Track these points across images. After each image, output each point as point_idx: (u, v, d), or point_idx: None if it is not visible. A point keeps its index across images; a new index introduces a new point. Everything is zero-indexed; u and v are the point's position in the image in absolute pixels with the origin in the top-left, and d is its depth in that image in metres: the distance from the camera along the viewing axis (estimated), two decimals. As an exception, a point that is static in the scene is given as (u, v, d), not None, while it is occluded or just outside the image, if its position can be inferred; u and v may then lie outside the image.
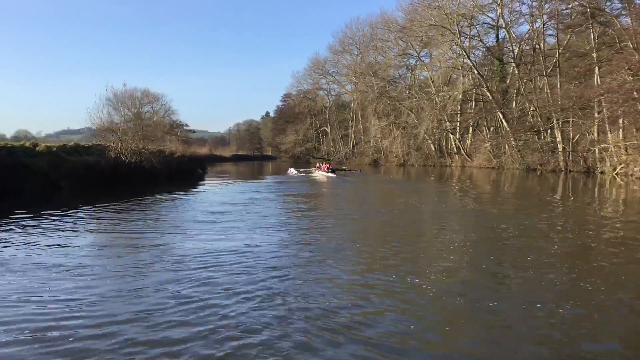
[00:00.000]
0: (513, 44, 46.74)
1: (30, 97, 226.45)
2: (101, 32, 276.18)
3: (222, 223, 13.15)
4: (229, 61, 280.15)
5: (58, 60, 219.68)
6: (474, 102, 53.14)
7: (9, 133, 71.60)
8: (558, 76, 39.46)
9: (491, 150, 48.07)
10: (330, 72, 76.89)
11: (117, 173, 25.90)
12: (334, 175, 36.23)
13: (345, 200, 20.83)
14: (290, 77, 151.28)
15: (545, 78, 41.56)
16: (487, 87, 46.74)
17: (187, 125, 75.28)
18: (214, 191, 24.61)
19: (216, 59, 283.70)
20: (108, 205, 16.67)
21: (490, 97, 46.71)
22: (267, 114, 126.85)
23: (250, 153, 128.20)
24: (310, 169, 41.98)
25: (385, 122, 63.39)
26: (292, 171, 41.78)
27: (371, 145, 68.00)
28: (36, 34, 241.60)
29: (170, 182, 28.79)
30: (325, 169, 38.17)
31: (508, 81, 48.63)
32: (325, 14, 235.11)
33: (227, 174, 48.62)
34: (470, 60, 47.81)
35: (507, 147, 45.82)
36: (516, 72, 47.34)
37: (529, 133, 43.87)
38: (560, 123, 38.96)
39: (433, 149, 58.89)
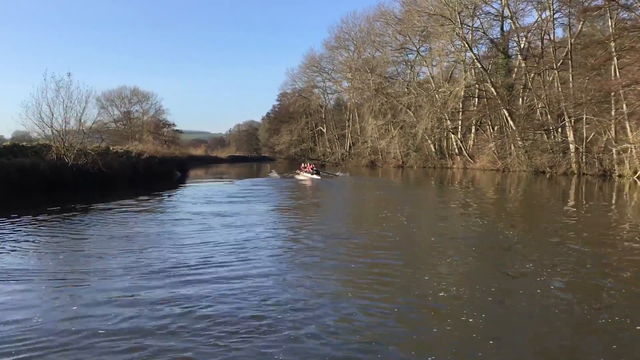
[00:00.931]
0: (519, 35, 42.94)
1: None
2: (100, 32, 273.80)
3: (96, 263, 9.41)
4: (229, 62, 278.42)
5: (53, 59, 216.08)
6: (476, 99, 49.34)
7: (7, 134, 67.69)
8: (570, 69, 35.65)
9: (496, 151, 44.30)
10: (325, 69, 73.10)
11: (62, 177, 22.26)
12: (319, 177, 33.86)
13: (320, 212, 16.99)
14: (285, 75, 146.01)
15: (555, 72, 37.74)
16: (491, 82, 42.92)
17: (174, 125, 71.34)
18: (172, 198, 20.96)
19: (217, 60, 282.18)
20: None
21: (495, 93, 42.90)
22: (268, 114, 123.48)
23: (248, 154, 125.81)
24: (295, 171, 39.26)
25: (382, 121, 59.62)
26: (273, 174, 39.53)
27: (368, 146, 64.23)
28: (33, 34, 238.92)
29: (136, 186, 25.52)
30: (310, 169, 35.65)
31: (514, 76, 44.86)
32: (330, 10, 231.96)
33: (213, 175, 45.15)
34: (473, 53, 43.97)
35: (513, 147, 42.06)
36: (523, 65, 43.62)
37: (537, 132, 40.04)
38: (572, 121, 35.08)
39: (433, 150, 55.16)
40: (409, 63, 58.00)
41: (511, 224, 13.58)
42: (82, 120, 23.77)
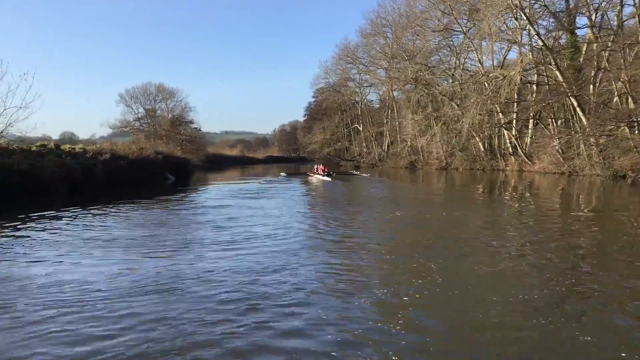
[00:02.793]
0: (591, 5, 34.36)
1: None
2: (145, 38, 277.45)
3: None
4: (277, 62, 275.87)
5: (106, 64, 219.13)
6: (535, 87, 40.83)
7: (55, 134, 64.70)
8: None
9: (560, 150, 35.90)
10: (361, 59, 65.41)
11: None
12: (329, 179, 31.97)
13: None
14: (317, 67, 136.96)
15: (642, 46, 29.21)
16: (556, 63, 34.40)
17: (191, 122, 65.55)
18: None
19: (264, 61, 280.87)
20: None
21: (561, 78, 34.41)
22: (304, 112, 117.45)
23: (287, 155, 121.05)
24: (307, 173, 38.05)
25: (422, 115, 51.71)
26: (283, 175, 38.52)
27: (407, 144, 56.42)
28: (82, 40, 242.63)
29: (92, 193, 19.59)
30: (322, 172, 34.16)
31: (582, 58, 36.23)
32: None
33: (224, 178, 38.81)
34: (533, 27, 35.43)
35: (582, 145, 33.62)
36: (594, 45, 35.05)
37: (616, 126, 31.50)
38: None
39: (482, 149, 46.90)
40: (454, 49, 49.78)
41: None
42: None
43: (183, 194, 22.09)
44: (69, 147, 23.27)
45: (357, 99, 72.31)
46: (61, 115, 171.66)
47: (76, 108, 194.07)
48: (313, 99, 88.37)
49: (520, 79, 37.60)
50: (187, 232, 11.30)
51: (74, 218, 13.55)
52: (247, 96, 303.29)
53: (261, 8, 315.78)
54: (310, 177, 35.27)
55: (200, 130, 68.79)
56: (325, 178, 32.48)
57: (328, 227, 11.88)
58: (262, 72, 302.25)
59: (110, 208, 15.81)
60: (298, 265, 7.94)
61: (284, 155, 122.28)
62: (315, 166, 38.08)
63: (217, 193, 23.00)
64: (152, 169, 28.07)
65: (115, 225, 12.40)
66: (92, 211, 14.99)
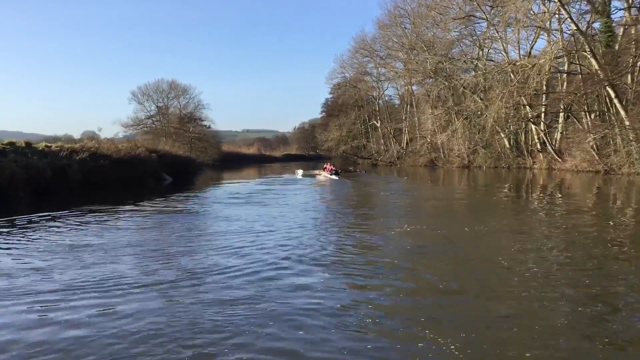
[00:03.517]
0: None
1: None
2: (163, 38, 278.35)
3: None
4: (302, 60, 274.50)
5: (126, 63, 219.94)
6: (566, 77, 37.38)
7: (77, 133, 63.31)
8: None
9: (595, 147, 32.56)
10: (378, 52, 62.06)
11: None
12: (337, 178, 32.05)
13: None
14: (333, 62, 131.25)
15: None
16: (591, 50, 30.98)
17: (200, 119, 63.19)
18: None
19: (290, 59, 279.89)
20: None
21: (596, 66, 31.02)
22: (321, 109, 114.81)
23: (306, 153, 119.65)
24: (317, 172, 36.78)
25: (442, 109, 48.45)
26: (299, 173, 37.31)
27: (426, 141, 53.22)
28: (100, 40, 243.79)
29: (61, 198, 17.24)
30: (329, 170, 34.09)
31: (617, 46, 32.76)
32: None
33: (232, 178, 36.50)
34: (565, 10, 31.94)
35: (620, 140, 30.29)
36: (632, 29, 31.62)
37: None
38: None
39: (507, 145, 43.57)
40: (477, 39, 46.41)
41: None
42: None
43: (168, 199, 19.52)
44: (44, 146, 20.93)
45: (374, 94, 69.12)
46: (89, 115, 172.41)
47: (106, 108, 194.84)
48: (330, 96, 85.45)
49: (550, 68, 34.13)
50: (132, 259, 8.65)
51: (19, 229, 11.09)
52: (269, 94, 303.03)
53: (284, 6, 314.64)
54: (318, 176, 34.42)
55: (210, 127, 66.31)
56: (334, 177, 32.22)
57: (323, 250, 9.04)
58: (284, 70, 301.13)
59: (72, 216, 13.35)
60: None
61: (302, 153, 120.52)
62: (325, 165, 37.22)
63: (209, 197, 20.44)
64: (143, 168, 25.66)
65: (56, 245, 9.84)
66: (46, 222, 12.53)
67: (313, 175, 35.09)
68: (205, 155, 60.15)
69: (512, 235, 10.31)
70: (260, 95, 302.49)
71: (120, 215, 13.45)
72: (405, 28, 55.68)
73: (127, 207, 15.48)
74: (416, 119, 56.59)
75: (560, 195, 20.95)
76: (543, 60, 32.35)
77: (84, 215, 13.44)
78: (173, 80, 68.74)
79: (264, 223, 11.90)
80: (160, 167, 29.24)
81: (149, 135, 64.80)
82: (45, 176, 18.04)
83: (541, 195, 21.30)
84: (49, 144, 21.51)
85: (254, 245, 9.26)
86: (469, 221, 12.25)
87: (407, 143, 61.60)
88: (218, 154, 71.21)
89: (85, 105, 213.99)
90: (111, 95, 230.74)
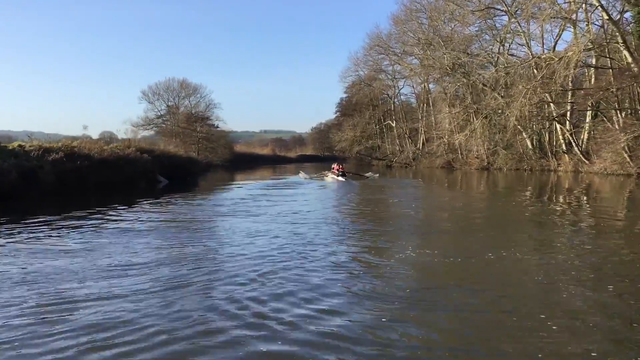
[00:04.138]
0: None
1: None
2: (181, 40, 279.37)
3: None
4: (321, 60, 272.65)
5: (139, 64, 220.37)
6: (593, 72, 34.58)
7: (95, 134, 62.09)
8: None
9: (627, 148, 29.84)
10: (393, 49, 59.39)
11: None
12: (344, 180, 30.34)
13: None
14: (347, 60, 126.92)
15: None
16: (624, 41, 28.23)
17: (208, 119, 61.34)
18: None
19: (309, 59, 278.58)
20: None
21: (629, 59, 28.27)
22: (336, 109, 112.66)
23: (320, 153, 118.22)
24: (324, 172, 35.08)
25: (460, 107, 45.80)
26: (302, 175, 35.35)
27: (444, 141, 50.62)
28: (111, 41, 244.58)
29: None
30: (337, 171, 31.92)
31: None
32: None
33: (238, 180, 34.34)
34: (595, -2, 29.19)
35: (656, 141, 27.61)
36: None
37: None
38: None
39: (530, 146, 40.85)
40: (497, 34, 43.69)
41: None
42: None
43: (153, 205, 17.43)
44: (17, 145, 19.03)
45: (389, 93, 66.62)
46: (109, 115, 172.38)
47: (130, 109, 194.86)
48: (345, 95, 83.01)
49: (578, 62, 31.39)
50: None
51: None
52: (287, 95, 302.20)
53: (303, 4, 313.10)
54: (325, 177, 32.99)
55: (217, 127, 64.34)
56: (340, 178, 30.73)
57: (276, 302, 6.82)
58: (302, 70, 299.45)
59: (26, 227, 11.34)
60: None
61: (318, 154, 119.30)
62: (333, 165, 35.22)
63: (193, 203, 18.27)
64: (132, 170, 23.68)
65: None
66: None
67: (321, 177, 33.39)
68: (214, 155, 58.33)
69: (544, 267, 7.92)
70: (278, 96, 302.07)
71: (66, 230, 11.33)
72: (422, 23, 53.11)
73: (91, 217, 13.39)
74: (433, 118, 54.01)
75: (586, 199, 19.03)
76: (571, 52, 29.63)
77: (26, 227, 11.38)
78: (184, 79, 67.08)
79: (234, 243, 9.67)
80: (156, 169, 27.29)
81: (160, 136, 63.58)
82: (9, 179, 16.07)
83: (568, 200, 18.85)
84: (23, 143, 19.62)
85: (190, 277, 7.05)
86: (492, 243, 9.89)
87: (423, 144, 59.05)
88: (229, 155, 69.52)
89: (106, 106, 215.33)
90: (133, 97, 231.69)
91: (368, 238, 10.19)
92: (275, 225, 11.79)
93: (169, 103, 67.88)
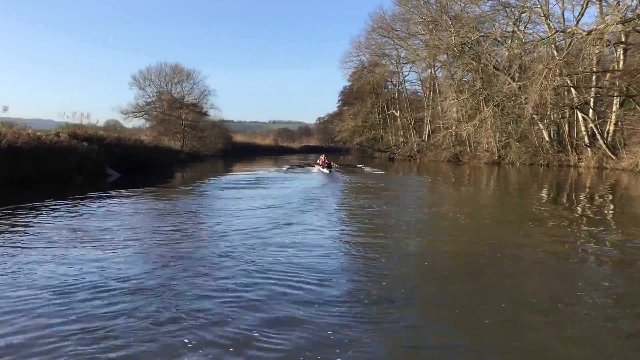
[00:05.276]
0: None
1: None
2: (186, 27, 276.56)
3: None
4: (329, 50, 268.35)
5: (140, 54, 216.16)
6: (621, 53, 29.93)
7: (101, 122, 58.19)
8: None
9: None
10: (397, 32, 54.46)
11: None
12: (327, 172, 29.38)
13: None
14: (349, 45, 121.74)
15: None
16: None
17: (193, 106, 57.06)
18: None
19: (316, 49, 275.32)
20: None
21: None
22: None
23: (325, 144, 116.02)
24: (310, 164, 35.54)
25: (468, 93, 41.16)
26: (284, 167, 35.21)
27: (450, 132, 46.14)
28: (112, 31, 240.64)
29: None
30: (322, 163, 31.54)
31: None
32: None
33: (216, 173, 30.34)
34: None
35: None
36: None
37: None
38: None
39: (547, 138, 36.30)
40: (512, 12, 38.86)
41: None
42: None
43: (61, 208, 13.42)
44: None
45: (393, 80, 62.01)
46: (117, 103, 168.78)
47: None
48: (349, 84, 78.31)
49: (606, 40, 26.72)
50: None
51: None
52: (295, 86, 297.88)
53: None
54: (312, 169, 32.27)
55: (207, 114, 60.02)
56: (325, 170, 29.78)
57: None
58: (311, 60, 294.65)
59: None
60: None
61: (322, 144, 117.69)
62: (321, 157, 33.85)
63: (138, 204, 14.23)
64: (61, 161, 19.58)
65: None
66: None
67: (303, 167, 32.80)
68: (202, 145, 54.15)
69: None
70: (290, 87, 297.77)
71: None
72: (429, 2, 48.34)
73: None
74: (440, 107, 49.44)
75: (611, 200, 15.91)
76: (603, 25, 24.93)
77: None
78: (177, 64, 62.73)
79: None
80: (105, 159, 23.21)
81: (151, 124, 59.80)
82: None
83: (593, 205, 14.71)
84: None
85: None
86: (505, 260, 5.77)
87: (428, 135, 54.53)
88: (224, 145, 65.53)
89: (117, 94, 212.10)
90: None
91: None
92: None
93: (161, 89, 63.75)
